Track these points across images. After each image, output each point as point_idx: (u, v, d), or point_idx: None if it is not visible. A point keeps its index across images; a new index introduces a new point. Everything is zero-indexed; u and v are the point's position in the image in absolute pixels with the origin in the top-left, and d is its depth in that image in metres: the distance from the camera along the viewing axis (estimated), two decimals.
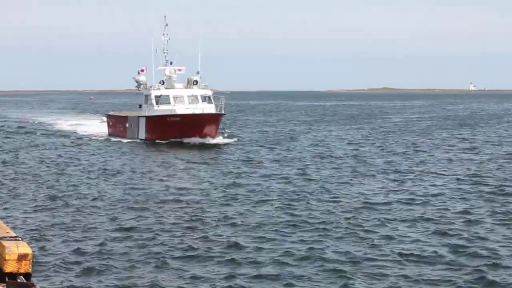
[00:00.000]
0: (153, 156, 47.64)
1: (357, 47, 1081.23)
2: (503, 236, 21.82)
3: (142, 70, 60.82)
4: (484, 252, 19.69)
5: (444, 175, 36.17)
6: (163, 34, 60.34)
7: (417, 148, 51.81)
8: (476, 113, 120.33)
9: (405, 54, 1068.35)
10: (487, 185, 32.53)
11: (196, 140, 53.88)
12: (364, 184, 33.15)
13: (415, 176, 35.93)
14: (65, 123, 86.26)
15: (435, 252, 19.71)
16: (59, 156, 47.29)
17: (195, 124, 53.51)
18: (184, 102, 56.30)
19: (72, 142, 58.80)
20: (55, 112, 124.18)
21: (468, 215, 25.02)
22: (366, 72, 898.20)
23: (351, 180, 34.45)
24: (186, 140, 54.22)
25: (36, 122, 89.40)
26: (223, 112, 56.09)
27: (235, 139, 59.55)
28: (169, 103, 56.34)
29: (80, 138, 63.33)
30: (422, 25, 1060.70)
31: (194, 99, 56.70)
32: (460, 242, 20.82)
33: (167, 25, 60.58)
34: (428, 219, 24.28)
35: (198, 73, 58.64)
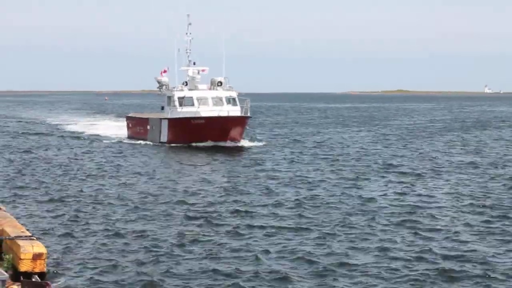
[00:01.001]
0: (174, 159, 45.76)
1: (370, 48, 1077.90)
2: (501, 245, 21.17)
3: (165, 71, 58.69)
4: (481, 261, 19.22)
5: (446, 179, 35.49)
6: (186, 34, 58.23)
7: (423, 151, 50.79)
8: (486, 117, 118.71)
9: (420, 55, 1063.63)
10: (489, 190, 31.79)
11: (221, 144, 51.71)
12: (367, 186, 33.26)
13: (421, 180, 35.28)
14: (82, 124, 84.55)
15: (433, 256, 19.65)
16: (76, 158, 46.02)
17: (220, 127, 51.30)
18: (208, 104, 54.15)
19: (90, 144, 57.10)
20: (72, 113, 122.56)
21: (464, 223, 24.47)
22: (380, 74, 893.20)
23: (356, 183, 34.03)
24: (210, 144, 52.02)
25: (53, 123, 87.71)
26: (248, 114, 53.91)
27: (262, 142, 57.24)
28: (193, 105, 54.22)
29: (98, 139, 61.44)
30: (437, 27, 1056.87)
31: (218, 101, 54.53)
32: (455, 252, 20.09)
33: (190, 24, 58.44)
34: (429, 226, 23.85)
35: (225, 78, 56.49)
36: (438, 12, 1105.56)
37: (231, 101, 54.75)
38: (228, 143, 51.69)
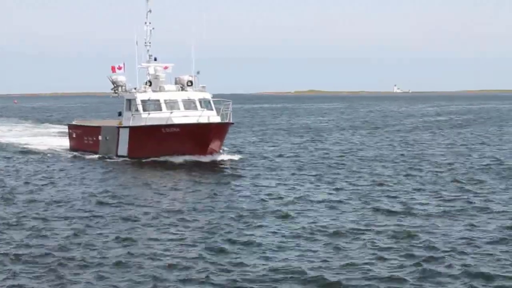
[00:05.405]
0: (140, 178, 36.13)
1: (285, 48, 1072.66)
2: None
3: (120, 68, 47.74)
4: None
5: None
6: (145, 23, 47.67)
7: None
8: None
9: (333, 56, 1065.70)
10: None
11: (198, 158, 41.37)
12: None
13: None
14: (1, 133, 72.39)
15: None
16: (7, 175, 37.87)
17: (199, 137, 40.83)
18: (179, 108, 43.94)
19: (22, 158, 46.86)
20: None
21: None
22: (293, 75, 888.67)
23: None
24: (183, 158, 41.61)
25: None
26: (230, 120, 43.68)
27: (238, 154, 46.76)
28: (160, 110, 43.84)
29: (31, 153, 50.43)
30: (351, 28, 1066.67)
31: (190, 104, 44.40)
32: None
33: (150, 11, 47.81)
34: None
35: (198, 73, 46.39)
36: (356, 14, 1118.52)
37: (204, 104, 44.69)
38: (208, 157, 41.53)
